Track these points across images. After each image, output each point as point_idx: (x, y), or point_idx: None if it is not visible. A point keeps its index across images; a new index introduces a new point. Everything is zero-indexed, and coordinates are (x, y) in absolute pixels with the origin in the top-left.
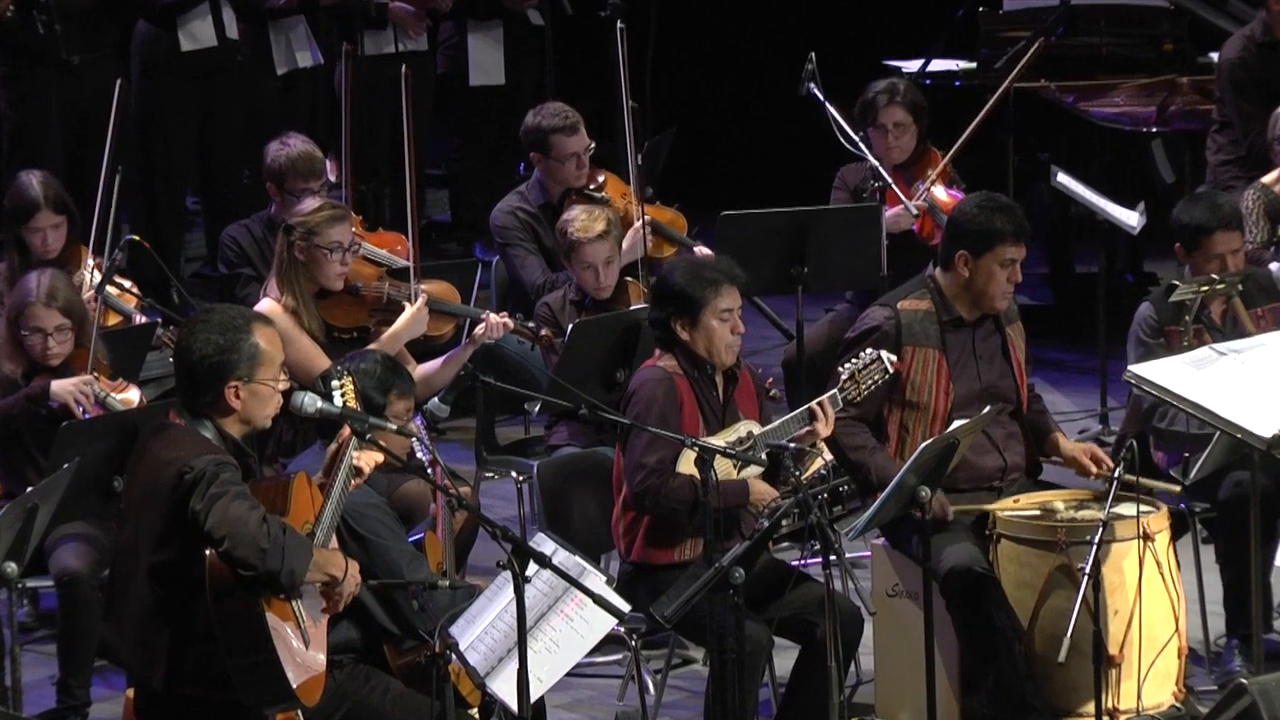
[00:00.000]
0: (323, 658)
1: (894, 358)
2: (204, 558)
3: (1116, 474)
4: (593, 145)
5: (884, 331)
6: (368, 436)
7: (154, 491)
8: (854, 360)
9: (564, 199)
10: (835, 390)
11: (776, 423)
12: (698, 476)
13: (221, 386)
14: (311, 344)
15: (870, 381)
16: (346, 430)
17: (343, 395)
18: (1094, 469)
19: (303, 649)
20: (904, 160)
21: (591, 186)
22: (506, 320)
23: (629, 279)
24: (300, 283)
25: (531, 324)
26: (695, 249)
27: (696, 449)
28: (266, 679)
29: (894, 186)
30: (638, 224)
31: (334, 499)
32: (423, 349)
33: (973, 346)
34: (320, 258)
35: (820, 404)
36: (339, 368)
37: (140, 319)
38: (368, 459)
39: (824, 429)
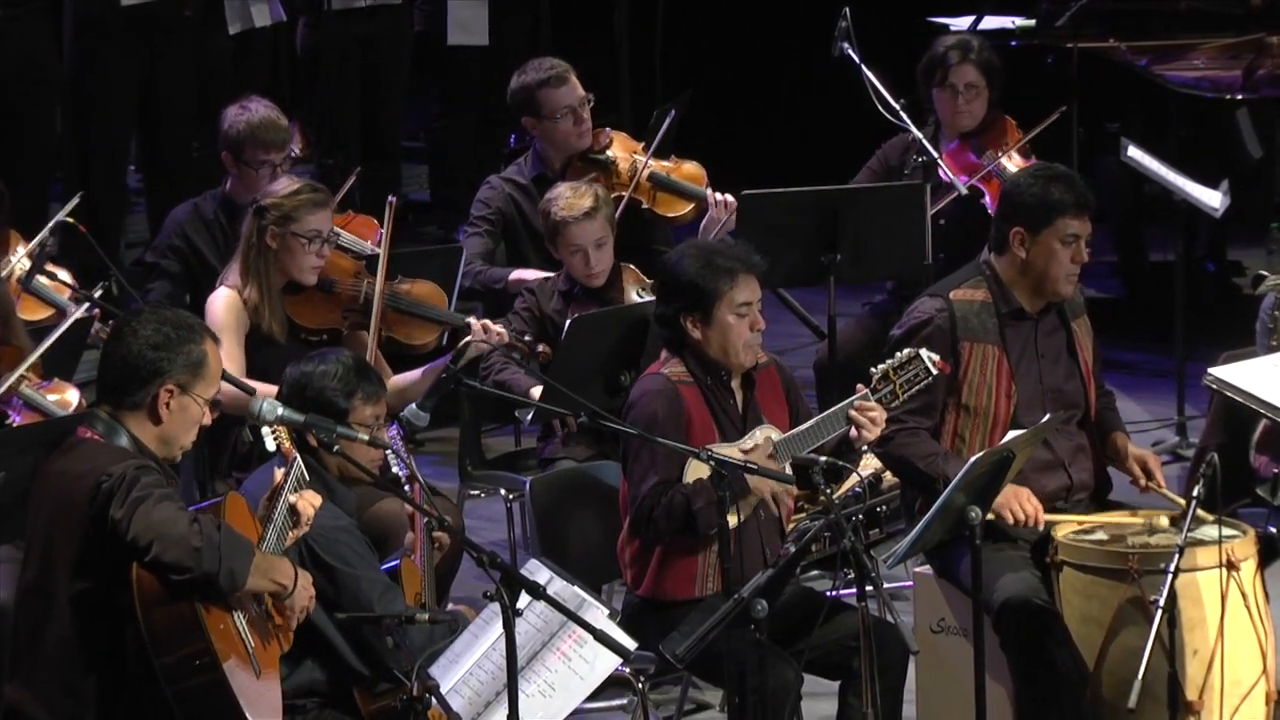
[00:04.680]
0: (278, 691)
1: (936, 357)
2: (129, 581)
3: (1196, 493)
4: (591, 98)
5: (936, 325)
6: (335, 449)
7: (67, 511)
8: (889, 359)
9: (566, 168)
10: (866, 391)
11: (801, 428)
12: (698, 480)
13: (157, 386)
14: (239, 352)
15: (908, 385)
16: (279, 474)
17: (275, 440)
18: (1141, 480)
19: (254, 680)
20: (972, 128)
21: (596, 149)
22: (501, 330)
23: (625, 265)
24: (268, 273)
25: (528, 338)
26: (709, 196)
27: (711, 462)
28: (216, 703)
29: (941, 163)
30: (714, 202)
31: (271, 540)
32: (403, 358)
33: (1034, 343)
34: (295, 247)
35: (860, 406)
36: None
37: (78, 313)
38: (305, 504)
39: (873, 431)
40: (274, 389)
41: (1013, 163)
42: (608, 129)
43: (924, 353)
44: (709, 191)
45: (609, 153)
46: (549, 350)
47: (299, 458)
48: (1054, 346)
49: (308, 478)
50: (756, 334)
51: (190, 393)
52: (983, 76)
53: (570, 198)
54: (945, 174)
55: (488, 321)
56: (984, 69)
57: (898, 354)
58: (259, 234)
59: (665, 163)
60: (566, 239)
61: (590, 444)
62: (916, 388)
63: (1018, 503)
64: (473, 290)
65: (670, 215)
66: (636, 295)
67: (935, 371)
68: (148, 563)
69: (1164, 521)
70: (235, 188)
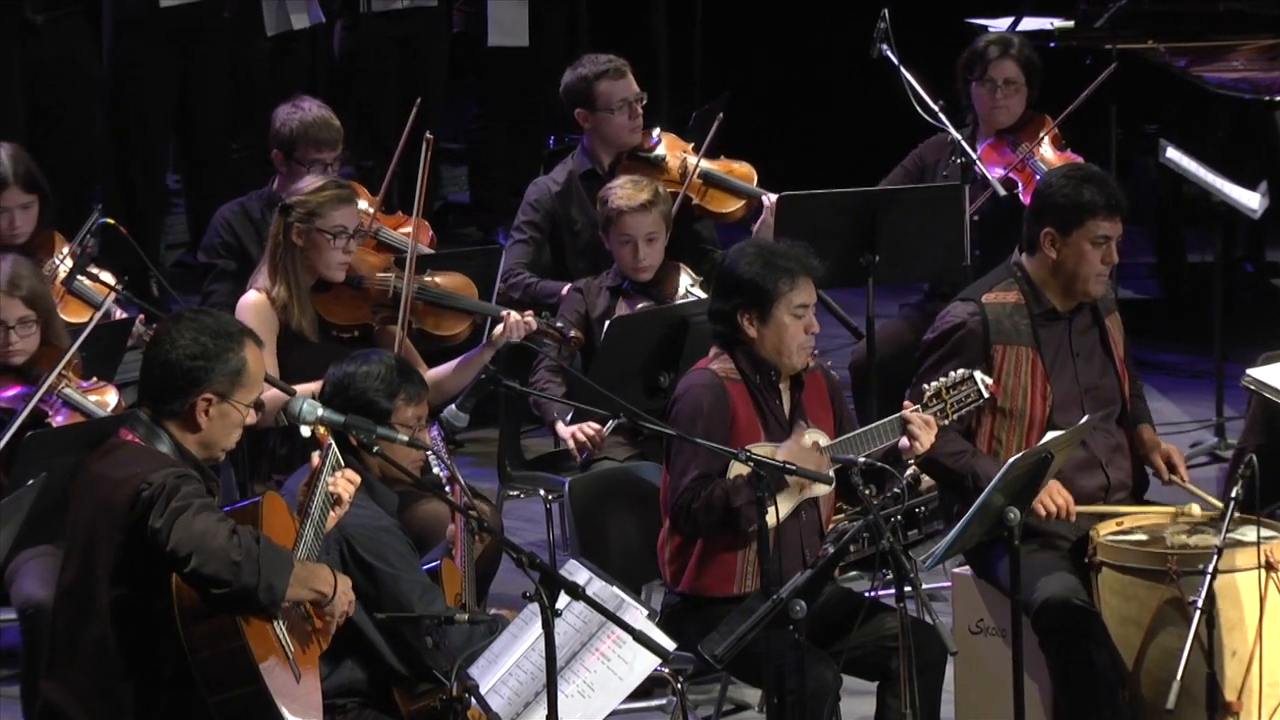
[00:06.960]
0: (318, 693)
1: (989, 380)
2: (168, 588)
3: (1234, 494)
4: (645, 96)
5: (969, 330)
6: (375, 450)
7: (108, 517)
8: (941, 377)
9: (616, 165)
10: (917, 408)
11: (852, 434)
12: (739, 476)
13: (195, 396)
14: (270, 357)
15: (958, 405)
16: (316, 459)
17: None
18: (1164, 473)
19: (294, 684)
20: (1009, 125)
21: (645, 148)
22: (529, 319)
23: (678, 264)
24: (296, 271)
25: (560, 324)
26: (764, 199)
27: (751, 463)
28: (257, 712)
29: (980, 163)
30: (767, 202)
31: (309, 537)
32: (436, 350)
33: (1069, 342)
34: (321, 243)
35: (917, 414)
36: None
37: (120, 314)
38: (344, 484)
39: (925, 440)
40: (316, 386)
41: (1047, 155)
42: (656, 129)
43: (978, 375)
44: (764, 192)
45: (659, 151)
46: (580, 336)
47: (333, 442)
48: (1088, 345)
49: (342, 461)
50: (810, 336)
51: (230, 400)
52: (1022, 73)
53: (630, 189)
54: (983, 173)
55: (513, 312)
56: (1024, 65)
57: (950, 374)
58: (285, 232)
59: (716, 162)
60: (619, 228)
61: (629, 444)
62: (967, 408)
63: (1048, 495)
64: (521, 303)
65: (720, 211)
66: (687, 288)
67: (987, 395)
68: (187, 574)
69: (1196, 510)
70: (283, 186)
